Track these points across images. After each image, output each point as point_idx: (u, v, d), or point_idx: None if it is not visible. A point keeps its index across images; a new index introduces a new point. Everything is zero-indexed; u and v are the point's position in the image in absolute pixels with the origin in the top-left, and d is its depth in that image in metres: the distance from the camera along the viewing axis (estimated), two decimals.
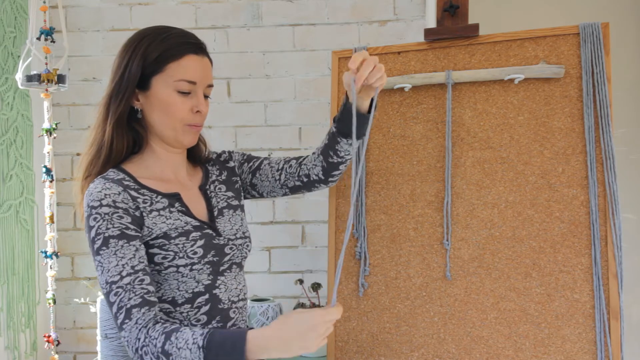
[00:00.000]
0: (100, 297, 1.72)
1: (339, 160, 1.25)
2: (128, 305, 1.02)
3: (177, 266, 1.10)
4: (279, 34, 2.12)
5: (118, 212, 1.07)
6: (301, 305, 1.90)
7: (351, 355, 1.37)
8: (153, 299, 1.05)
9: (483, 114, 1.33)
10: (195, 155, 1.29)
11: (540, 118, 1.29)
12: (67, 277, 2.17)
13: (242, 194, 1.34)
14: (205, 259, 1.13)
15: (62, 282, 2.14)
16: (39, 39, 1.82)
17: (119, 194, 1.08)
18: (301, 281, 1.95)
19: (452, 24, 1.36)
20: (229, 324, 1.19)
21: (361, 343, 1.37)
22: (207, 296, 1.15)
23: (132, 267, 1.05)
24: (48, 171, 1.85)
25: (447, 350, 1.31)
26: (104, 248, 1.05)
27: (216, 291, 1.16)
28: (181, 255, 1.10)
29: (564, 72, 1.28)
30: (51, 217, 1.85)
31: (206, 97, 1.18)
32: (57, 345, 1.86)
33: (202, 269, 1.13)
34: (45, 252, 1.85)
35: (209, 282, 1.15)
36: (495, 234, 1.30)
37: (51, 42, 1.83)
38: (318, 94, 2.11)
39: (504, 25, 1.39)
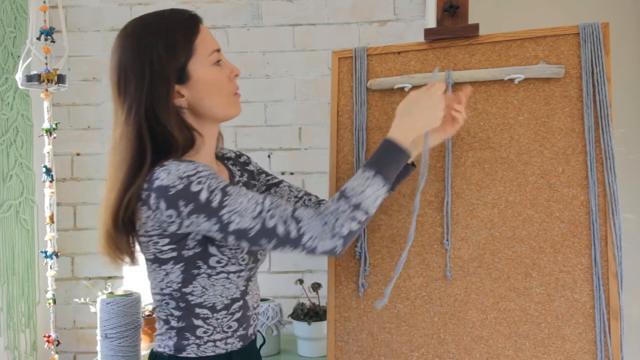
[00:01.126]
0: (101, 297, 1.72)
1: None
2: (290, 214, 0.97)
3: (229, 272, 1.06)
4: (279, 34, 2.12)
5: (216, 174, 1.00)
6: (301, 305, 1.90)
7: (351, 355, 1.37)
8: (305, 195, 1.11)
9: (483, 114, 1.33)
10: (216, 148, 1.21)
11: (540, 118, 1.29)
12: (67, 277, 2.17)
13: None
14: (249, 266, 1.10)
15: (62, 282, 2.14)
16: (39, 39, 1.82)
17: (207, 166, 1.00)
18: (301, 281, 1.95)
19: (452, 24, 1.36)
20: (250, 331, 1.17)
21: (361, 343, 1.37)
22: (241, 302, 1.12)
23: (263, 196, 0.99)
24: (48, 171, 1.85)
25: (447, 350, 1.31)
26: (226, 197, 0.96)
27: (247, 297, 1.14)
28: (233, 261, 1.06)
29: (564, 72, 1.28)
30: (51, 217, 1.85)
31: None
32: (57, 345, 1.86)
33: (244, 275, 1.10)
34: (45, 252, 1.85)
35: (244, 288, 1.12)
36: (495, 234, 1.30)
37: (51, 42, 1.83)
38: (318, 94, 2.11)
39: (504, 25, 1.39)
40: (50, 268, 1.85)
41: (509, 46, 1.33)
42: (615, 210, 1.21)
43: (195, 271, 1.04)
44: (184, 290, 1.05)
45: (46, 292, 1.88)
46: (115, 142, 1.05)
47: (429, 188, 1.36)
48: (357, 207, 1.00)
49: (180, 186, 0.95)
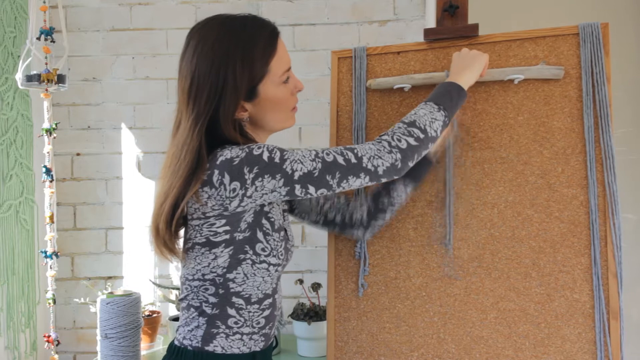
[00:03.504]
0: (101, 297, 1.72)
1: (390, 202, 1.27)
2: (344, 147, 1.04)
3: (269, 264, 1.09)
4: None
5: None
6: (301, 305, 1.90)
7: (351, 355, 1.37)
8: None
9: (483, 114, 1.33)
10: None
11: (540, 118, 1.29)
12: (67, 277, 2.17)
13: None
14: (285, 262, 1.14)
15: (62, 282, 2.14)
16: (39, 39, 1.82)
17: None
18: (301, 281, 1.95)
19: (452, 24, 1.36)
20: (272, 331, 1.19)
21: (361, 343, 1.37)
22: (271, 300, 1.14)
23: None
24: (48, 171, 1.85)
25: (447, 350, 1.31)
26: (285, 152, 1.02)
27: (276, 296, 1.16)
28: (274, 253, 1.09)
29: (563, 73, 1.28)
30: (51, 217, 1.85)
31: None
32: (57, 345, 1.86)
33: (280, 271, 1.13)
34: (45, 252, 1.85)
35: (275, 285, 1.15)
36: (495, 234, 1.30)
37: (51, 42, 1.83)
38: (318, 94, 2.11)
39: (504, 26, 1.39)
40: (50, 268, 1.85)
41: (508, 46, 1.33)
42: (615, 210, 1.21)
43: (242, 256, 1.07)
44: (227, 275, 1.08)
45: (46, 292, 1.88)
46: (177, 148, 1.06)
47: (429, 188, 1.36)
48: (412, 124, 1.09)
49: (243, 154, 1.00)
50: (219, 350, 1.10)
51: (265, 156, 1.01)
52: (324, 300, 1.90)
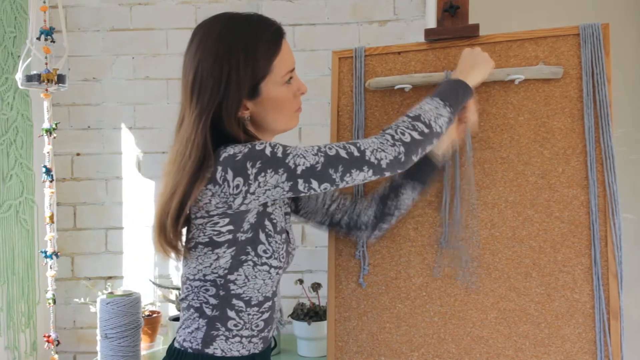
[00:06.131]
0: (101, 297, 1.72)
1: (398, 204, 1.27)
2: (346, 142, 1.05)
3: (270, 266, 1.09)
4: None
5: None
6: (301, 305, 1.90)
7: (351, 355, 1.37)
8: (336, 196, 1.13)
9: (483, 114, 1.33)
10: None
11: (540, 118, 1.30)
12: (67, 277, 2.17)
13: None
14: (284, 266, 1.13)
15: (62, 282, 2.14)
16: (39, 39, 1.82)
17: None
18: (301, 281, 1.95)
19: (452, 24, 1.36)
20: (271, 334, 1.18)
21: (361, 343, 1.37)
22: (270, 303, 1.14)
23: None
24: (48, 171, 1.85)
25: (447, 350, 1.31)
26: (287, 147, 1.03)
27: (275, 299, 1.16)
28: (276, 256, 1.09)
29: (562, 72, 1.28)
30: (51, 217, 1.85)
31: None
32: (57, 345, 1.86)
33: (279, 274, 1.13)
34: (45, 252, 1.85)
35: (275, 289, 1.15)
36: (495, 234, 1.30)
37: (51, 42, 1.83)
38: (318, 94, 2.11)
39: (504, 26, 1.39)
40: (50, 268, 1.85)
41: (509, 46, 1.33)
42: (615, 211, 1.22)
43: (244, 257, 1.07)
44: (229, 277, 1.08)
45: (46, 292, 1.88)
46: (181, 144, 1.06)
47: (429, 188, 1.36)
48: (416, 118, 1.09)
49: (246, 150, 1.00)
50: (218, 352, 1.09)
51: (268, 151, 1.00)
52: (324, 300, 1.90)
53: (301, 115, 2.20)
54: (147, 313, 2.00)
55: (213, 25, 1.09)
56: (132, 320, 1.70)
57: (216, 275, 1.08)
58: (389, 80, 1.38)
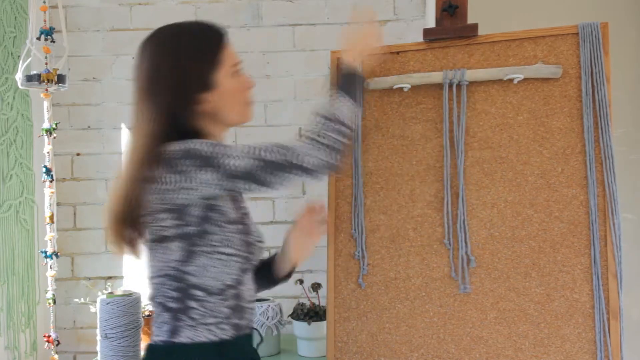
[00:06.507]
0: (100, 297, 1.72)
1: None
2: (280, 144, 1.08)
3: (223, 254, 1.11)
4: (279, 34, 2.12)
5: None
6: (301, 305, 1.90)
7: (351, 356, 1.37)
8: None
9: (482, 114, 1.33)
10: None
11: (540, 118, 1.29)
12: (67, 277, 2.17)
13: None
14: (243, 254, 1.15)
15: (62, 282, 2.14)
16: (39, 39, 1.82)
17: None
18: (301, 281, 1.94)
19: (451, 24, 1.36)
20: (244, 322, 1.19)
21: (361, 343, 1.37)
22: (234, 291, 1.15)
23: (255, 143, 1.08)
24: (48, 171, 1.85)
25: (447, 350, 1.31)
26: (226, 148, 1.07)
27: (241, 287, 1.17)
28: (228, 243, 1.11)
29: (561, 72, 1.28)
30: (51, 217, 1.85)
31: None
32: (57, 345, 1.86)
33: (238, 262, 1.14)
34: (45, 252, 1.85)
35: (238, 277, 1.16)
36: (494, 234, 1.30)
37: (51, 42, 1.83)
38: (318, 93, 2.11)
39: (503, 26, 1.39)
40: (50, 268, 1.85)
41: (508, 46, 1.33)
42: (615, 210, 1.21)
43: (196, 248, 1.10)
44: (183, 268, 1.11)
45: (46, 292, 1.88)
46: (136, 142, 1.12)
47: (429, 188, 1.36)
48: (336, 120, 1.12)
49: (183, 147, 1.05)
50: (186, 340, 1.12)
51: (205, 149, 1.05)
52: (324, 300, 1.90)
53: (301, 115, 2.20)
54: (147, 313, 2.00)
55: (160, 33, 1.17)
56: (132, 320, 1.70)
57: (172, 268, 1.11)
58: (387, 80, 1.38)
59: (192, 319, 1.12)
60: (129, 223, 1.12)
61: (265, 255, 1.34)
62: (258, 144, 1.08)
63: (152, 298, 1.17)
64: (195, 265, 1.10)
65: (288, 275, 1.35)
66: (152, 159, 1.08)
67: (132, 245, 1.16)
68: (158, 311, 1.16)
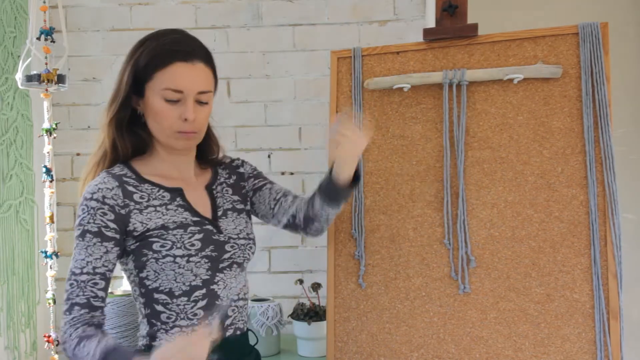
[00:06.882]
0: None
1: (317, 218, 1.28)
2: (74, 301, 1.09)
3: (174, 256, 1.12)
4: (279, 34, 2.12)
5: (103, 209, 1.12)
6: (301, 305, 1.90)
7: (350, 356, 1.37)
8: (98, 304, 1.11)
9: (482, 114, 1.33)
10: (206, 156, 1.30)
11: (540, 118, 1.29)
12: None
13: (248, 200, 1.34)
14: (203, 253, 1.15)
15: (62, 282, 2.14)
16: (39, 39, 1.82)
17: (112, 189, 1.13)
18: (301, 281, 1.95)
19: (451, 23, 1.36)
20: (227, 322, 1.20)
21: (361, 343, 1.37)
22: (204, 291, 1.16)
23: (94, 268, 1.10)
24: (48, 171, 1.85)
25: (447, 350, 1.31)
26: (80, 239, 1.11)
27: (214, 287, 1.17)
28: (178, 245, 1.12)
29: (561, 72, 1.28)
30: (51, 217, 1.85)
31: (203, 103, 1.16)
32: (57, 345, 1.86)
33: (199, 262, 1.14)
34: (45, 252, 1.85)
35: (207, 277, 1.16)
36: (494, 234, 1.30)
37: (51, 42, 1.83)
38: (318, 94, 2.11)
39: (503, 25, 1.39)
40: (50, 268, 1.85)
41: (508, 46, 1.33)
42: (615, 210, 1.21)
43: (144, 258, 1.13)
44: (140, 275, 1.15)
45: (46, 292, 1.88)
46: (95, 149, 1.23)
47: (429, 188, 1.36)
48: (74, 357, 1.09)
49: (79, 202, 1.17)
50: (164, 342, 1.13)
51: (76, 223, 1.14)
52: (324, 300, 1.90)
53: (301, 115, 2.20)
54: None
55: (139, 39, 1.19)
56: (132, 320, 1.70)
57: (133, 277, 1.17)
58: (387, 80, 1.38)
59: (164, 322, 1.15)
60: None
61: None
62: (72, 272, 1.11)
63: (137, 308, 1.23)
64: (149, 271, 1.13)
65: (350, 187, 1.25)
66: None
67: None
68: (139, 319, 1.22)
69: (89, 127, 2.19)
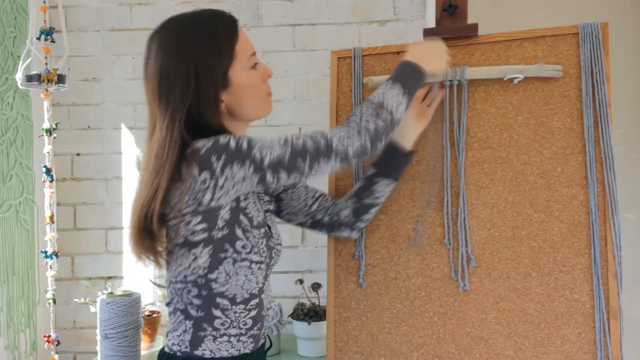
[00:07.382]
0: (101, 297, 1.72)
1: (374, 201, 1.28)
2: (313, 132, 1.04)
3: (251, 261, 1.08)
4: (279, 34, 2.12)
5: None
6: (301, 305, 1.90)
7: (351, 356, 1.37)
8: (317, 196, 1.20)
9: (482, 114, 1.33)
10: None
11: (540, 118, 1.29)
12: (67, 277, 2.17)
13: (273, 198, 1.31)
14: (267, 260, 1.12)
15: (62, 282, 2.15)
16: (39, 39, 1.82)
17: None
18: (301, 281, 1.95)
19: (451, 23, 1.36)
20: (262, 331, 1.17)
21: (361, 343, 1.37)
22: (258, 300, 1.12)
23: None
24: (48, 171, 1.85)
25: (447, 350, 1.31)
26: (252, 140, 1.01)
27: (263, 295, 1.15)
28: (256, 250, 1.08)
29: (561, 71, 1.28)
30: (51, 217, 1.85)
31: None
32: (57, 345, 1.86)
33: (263, 269, 1.11)
34: (45, 252, 1.85)
35: (262, 285, 1.13)
36: (494, 234, 1.30)
37: (51, 42, 1.84)
38: (318, 94, 2.11)
39: (503, 25, 1.39)
40: (50, 268, 1.85)
41: (508, 46, 1.33)
42: (615, 210, 1.21)
43: (222, 254, 1.05)
44: (209, 276, 1.06)
45: (46, 292, 1.88)
46: (155, 147, 1.05)
47: (429, 188, 1.36)
48: (380, 105, 1.07)
49: (209, 143, 0.99)
50: (207, 354, 1.08)
51: (232, 144, 0.99)
52: (324, 300, 1.90)
53: (301, 114, 2.20)
54: (147, 313, 2.00)
55: (167, 27, 1.11)
56: (132, 320, 1.70)
57: (197, 275, 1.07)
58: (386, 79, 1.38)
59: (216, 329, 1.08)
60: (149, 232, 1.06)
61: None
62: (290, 133, 1.05)
63: (171, 303, 1.12)
64: (221, 273, 1.06)
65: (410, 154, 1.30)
66: (177, 159, 1.02)
67: (154, 255, 1.09)
68: (178, 318, 1.11)
69: (89, 127, 2.20)
